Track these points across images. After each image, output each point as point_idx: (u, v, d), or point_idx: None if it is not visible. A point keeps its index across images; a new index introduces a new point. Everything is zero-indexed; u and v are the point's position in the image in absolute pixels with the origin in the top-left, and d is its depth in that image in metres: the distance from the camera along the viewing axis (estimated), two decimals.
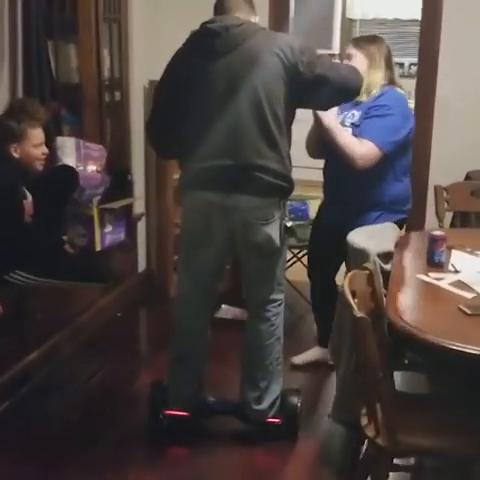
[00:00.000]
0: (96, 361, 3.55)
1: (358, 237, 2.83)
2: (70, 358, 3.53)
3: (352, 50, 3.14)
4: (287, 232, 2.76)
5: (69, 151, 3.59)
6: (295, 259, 4.27)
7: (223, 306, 4.12)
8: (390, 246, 2.86)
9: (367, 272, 2.33)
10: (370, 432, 2.15)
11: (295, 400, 2.92)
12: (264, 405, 2.87)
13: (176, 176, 4.24)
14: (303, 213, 4.46)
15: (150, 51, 4.29)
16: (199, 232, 2.75)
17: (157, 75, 4.28)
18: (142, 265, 4.53)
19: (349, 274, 2.25)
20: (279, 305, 2.86)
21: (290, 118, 2.72)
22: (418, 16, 7.56)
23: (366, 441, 2.27)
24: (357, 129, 3.08)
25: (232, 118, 2.60)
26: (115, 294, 4.04)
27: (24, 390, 3.19)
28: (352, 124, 3.11)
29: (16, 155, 3.05)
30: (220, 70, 2.61)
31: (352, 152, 3.00)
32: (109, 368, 3.50)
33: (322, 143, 3.15)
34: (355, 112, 3.13)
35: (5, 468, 2.68)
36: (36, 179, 3.14)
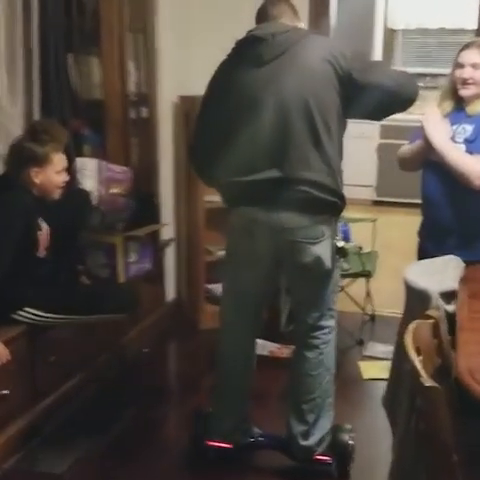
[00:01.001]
0: (119, 406, 3.20)
1: (416, 275, 2.44)
2: (88, 404, 3.19)
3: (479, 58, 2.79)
4: (339, 253, 2.59)
5: (90, 173, 3.35)
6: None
7: (259, 341, 3.76)
8: (454, 283, 2.46)
9: (432, 321, 1.94)
10: None
11: (346, 438, 2.70)
12: (312, 441, 2.67)
13: (208, 198, 3.96)
14: (345, 235, 4.08)
15: (180, 64, 4.01)
16: (243, 252, 2.58)
17: (188, 90, 4.04)
18: (171, 294, 4.21)
19: (412, 325, 1.86)
20: (329, 332, 2.66)
21: (342, 129, 2.54)
22: (465, 25, 7.30)
23: None
24: (471, 145, 2.76)
25: (279, 128, 2.43)
26: (141, 327, 3.70)
27: (34, 443, 2.85)
28: (465, 140, 2.79)
29: (37, 181, 2.81)
30: (266, 78, 2.44)
31: (467, 171, 2.70)
32: (134, 413, 3.15)
33: (425, 160, 2.89)
34: (466, 126, 2.81)
35: None
36: (50, 206, 2.85)
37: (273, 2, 2.57)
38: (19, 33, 3.07)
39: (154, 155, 3.85)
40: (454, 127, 2.82)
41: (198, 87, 4.04)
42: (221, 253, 4.11)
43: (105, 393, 3.28)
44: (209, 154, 2.58)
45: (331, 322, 2.67)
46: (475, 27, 6.60)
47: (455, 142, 2.79)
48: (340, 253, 2.60)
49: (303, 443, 2.67)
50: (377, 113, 2.61)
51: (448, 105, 2.87)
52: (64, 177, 2.88)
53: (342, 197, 2.54)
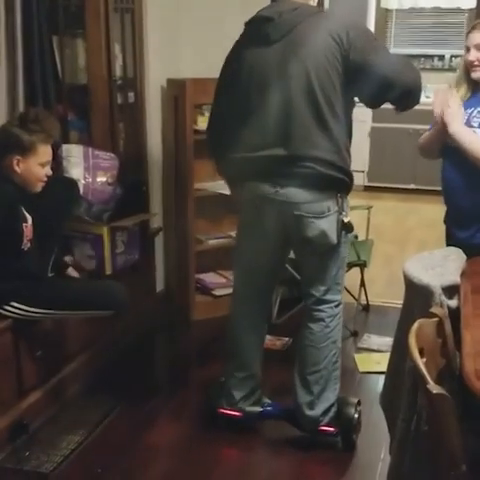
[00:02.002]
0: (108, 401, 3.09)
1: (417, 269, 2.34)
2: (76, 400, 3.09)
3: None
4: (345, 228, 2.62)
5: (76, 160, 3.24)
6: None
7: None
8: (455, 277, 2.36)
9: (436, 320, 1.85)
10: None
11: (352, 411, 2.77)
12: (317, 411, 2.74)
13: (198, 186, 3.85)
14: None
15: (168, 45, 3.88)
16: (252, 226, 2.68)
17: (176, 73, 3.91)
18: (160, 285, 4.09)
19: (415, 325, 1.77)
20: (336, 306, 2.72)
21: (349, 108, 2.58)
22: (461, 4, 7.16)
23: None
24: None
25: (284, 106, 2.49)
26: (129, 319, 3.58)
27: (20, 441, 2.75)
28: None
29: (17, 170, 2.66)
30: (274, 57, 2.50)
31: None
32: (123, 409, 3.05)
33: (443, 147, 2.83)
34: None
35: None
36: (33, 197, 2.72)
37: None
38: (1, 14, 2.95)
39: (142, 141, 3.71)
40: (469, 111, 2.75)
41: (187, 70, 3.95)
42: (211, 242, 4.04)
43: (93, 388, 3.19)
44: (223, 133, 2.68)
45: (338, 296, 2.72)
46: (471, 6, 6.49)
47: (470, 127, 2.72)
48: (346, 229, 2.62)
49: (309, 413, 2.74)
50: (369, 97, 2.56)
51: (463, 89, 2.79)
52: (47, 171, 2.74)
53: (349, 174, 2.58)
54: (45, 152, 2.70)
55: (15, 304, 2.67)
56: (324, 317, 2.70)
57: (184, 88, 3.72)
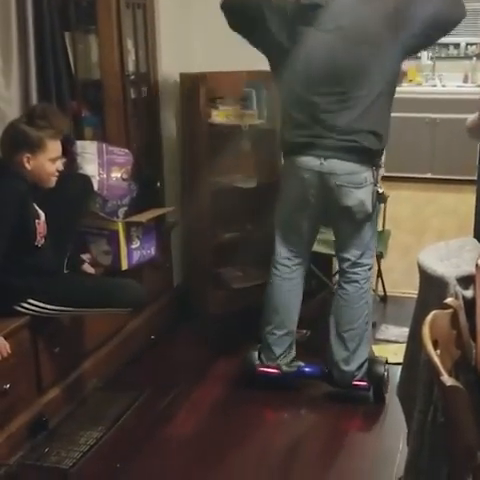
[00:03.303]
0: (126, 397, 3.11)
1: (432, 259, 2.31)
2: (94, 395, 3.11)
3: None
4: (379, 199, 2.93)
5: (91, 157, 3.24)
6: None
7: None
8: (471, 267, 2.34)
9: (450, 311, 1.83)
10: None
11: (382, 369, 3.02)
12: (352, 366, 2.98)
13: (213, 180, 3.84)
14: None
15: (181, 40, 3.87)
16: (295, 196, 2.97)
17: (189, 67, 3.90)
18: (178, 279, 4.09)
19: (429, 316, 1.75)
20: (369, 269, 3.01)
21: (395, 78, 2.88)
22: None
23: None
24: None
25: (329, 84, 2.79)
26: (147, 314, 3.60)
27: (40, 437, 2.78)
28: None
29: (28, 166, 2.66)
30: (326, 43, 2.76)
31: None
32: (142, 404, 3.07)
33: None
34: None
35: None
36: (46, 193, 2.73)
37: None
38: (13, 11, 2.95)
39: (156, 136, 3.71)
40: None
41: (200, 64, 3.94)
42: (228, 236, 4.03)
43: (111, 383, 3.20)
44: (284, 115, 2.99)
45: (370, 261, 3.03)
46: None
47: None
48: (380, 199, 2.94)
49: (345, 368, 2.99)
50: (432, 41, 2.97)
51: None
52: (58, 166, 2.74)
53: (383, 148, 2.92)
54: (54, 148, 2.70)
55: (32, 301, 2.68)
56: (359, 279, 2.97)
57: (197, 82, 3.71)
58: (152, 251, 3.44)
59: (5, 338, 2.54)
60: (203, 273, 4.00)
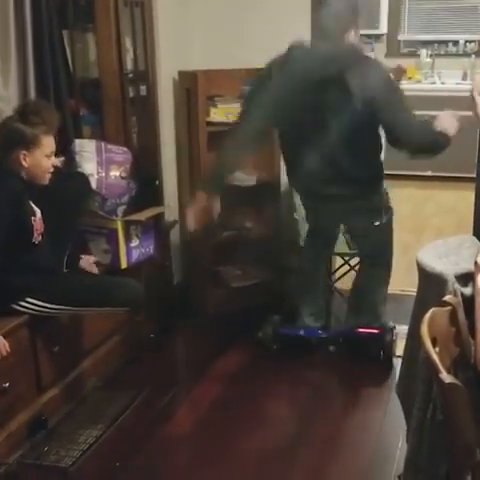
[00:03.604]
0: (125, 396, 3.10)
1: (431, 257, 2.31)
2: (93, 394, 3.11)
3: None
4: (388, 210, 3.45)
5: (89, 155, 3.24)
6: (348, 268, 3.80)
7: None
8: (469, 265, 2.33)
9: (449, 308, 1.83)
10: None
11: (390, 335, 3.39)
12: (366, 319, 3.44)
13: None
14: None
15: (179, 38, 3.86)
16: (312, 222, 3.52)
17: (188, 65, 3.90)
18: (177, 277, 4.08)
19: (428, 314, 1.75)
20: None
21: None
22: None
23: None
24: None
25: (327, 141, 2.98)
26: (147, 312, 3.58)
27: (39, 437, 2.77)
28: None
29: (25, 164, 2.66)
30: (313, 98, 2.92)
31: None
32: (141, 403, 3.06)
33: None
34: None
35: None
36: (43, 190, 2.73)
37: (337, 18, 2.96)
38: (11, 10, 2.95)
39: (155, 134, 3.70)
40: None
41: (198, 61, 3.93)
42: (227, 234, 4.02)
43: (111, 382, 3.20)
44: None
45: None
46: None
47: None
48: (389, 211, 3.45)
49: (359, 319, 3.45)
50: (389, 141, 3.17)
51: None
52: (54, 161, 2.74)
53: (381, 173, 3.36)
54: (49, 143, 2.70)
55: (30, 300, 2.68)
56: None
57: (196, 80, 3.70)
58: (151, 249, 3.44)
59: (4, 337, 2.54)
60: (202, 272, 3.99)
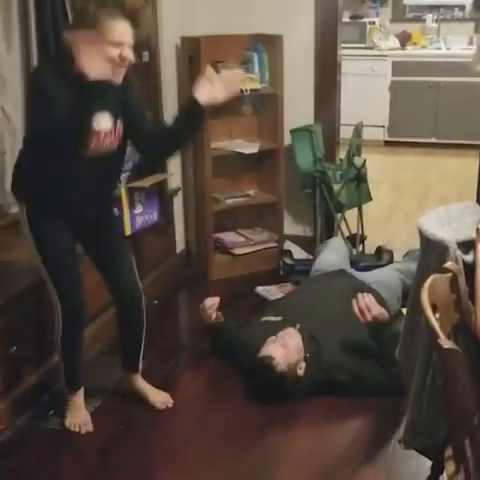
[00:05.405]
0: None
1: (432, 224, 2.32)
2: (97, 359, 3.15)
3: None
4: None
5: None
6: None
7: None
8: (471, 232, 2.34)
9: (449, 275, 1.84)
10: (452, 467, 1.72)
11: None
12: None
13: (214, 145, 3.84)
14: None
15: (182, 3, 3.83)
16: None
17: (191, 30, 3.86)
18: (180, 245, 4.10)
19: (428, 281, 1.77)
20: None
21: None
22: None
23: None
24: None
25: None
26: (150, 280, 3.61)
27: (44, 400, 2.82)
28: None
29: (84, 48, 2.18)
30: None
31: None
32: (145, 367, 3.08)
33: None
34: None
35: None
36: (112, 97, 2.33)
37: None
38: None
39: (157, 101, 3.69)
40: None
41: (201, 27, 3.90)
42: (229, 201, 4.03)
43: (114, 347, 3.23)
44: None
45: None
46: None
47: None
48: None
49: None
50: None
51: None
52: (127, 53, 2.23)
53: None
54: (116, 28, 2.21)
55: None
56: None
57: (199, 46, 3.68)
58: (155, 216, 3.45)
59: (9, 303, 2.55)
60: (205, 239, 4.01)
